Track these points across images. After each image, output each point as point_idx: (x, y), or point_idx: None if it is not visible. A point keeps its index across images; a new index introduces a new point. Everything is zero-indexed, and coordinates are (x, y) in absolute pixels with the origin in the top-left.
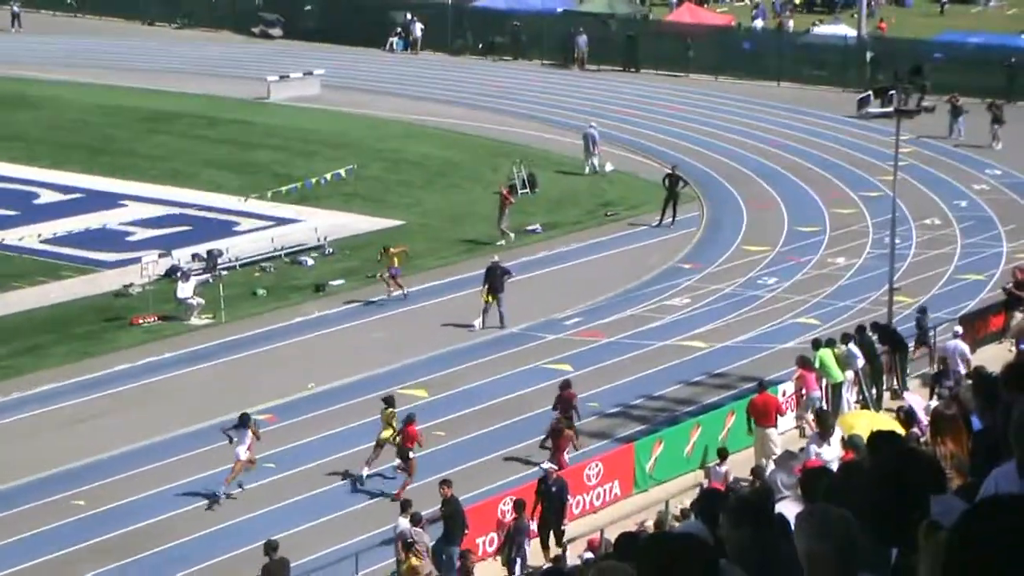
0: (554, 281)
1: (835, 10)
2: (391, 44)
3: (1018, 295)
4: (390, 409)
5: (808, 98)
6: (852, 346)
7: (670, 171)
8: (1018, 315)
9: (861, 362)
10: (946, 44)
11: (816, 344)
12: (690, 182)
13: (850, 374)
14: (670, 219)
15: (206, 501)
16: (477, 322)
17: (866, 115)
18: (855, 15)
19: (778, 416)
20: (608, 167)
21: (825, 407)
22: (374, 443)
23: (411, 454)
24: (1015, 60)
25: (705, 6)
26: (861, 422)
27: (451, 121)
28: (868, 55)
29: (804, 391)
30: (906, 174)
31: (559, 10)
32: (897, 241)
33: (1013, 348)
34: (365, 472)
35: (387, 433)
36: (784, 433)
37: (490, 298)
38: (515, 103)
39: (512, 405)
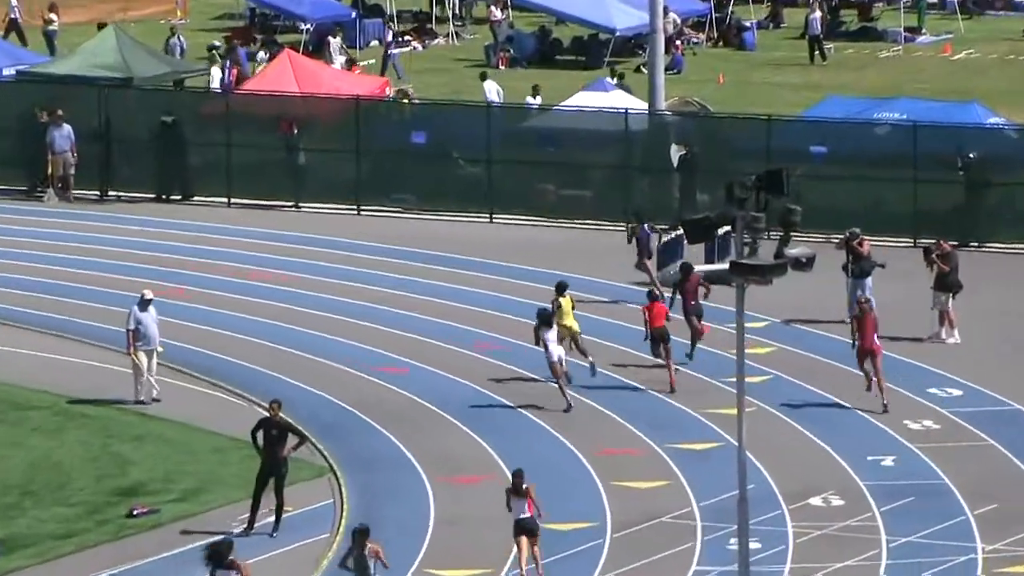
0: None
1: (600, 61)
2: None
3: None
4: (562, 297)
5: (561, 243)
6: None
7: (268, 413)
8: None
9: None
10: (833, 125)
11: None
12: (309, 436)
13: None
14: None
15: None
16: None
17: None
18: (642, 68)
19: None
20: (154, 392)
21: None
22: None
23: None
24: (974, 155)
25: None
26: None
27: None
28: (675, 152)
29: None
30: (763, 401)
31: (7, 72)
32: (756, 546)
33: None
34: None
35: (569, 321)
36: None
37: None
38: None
39: None
